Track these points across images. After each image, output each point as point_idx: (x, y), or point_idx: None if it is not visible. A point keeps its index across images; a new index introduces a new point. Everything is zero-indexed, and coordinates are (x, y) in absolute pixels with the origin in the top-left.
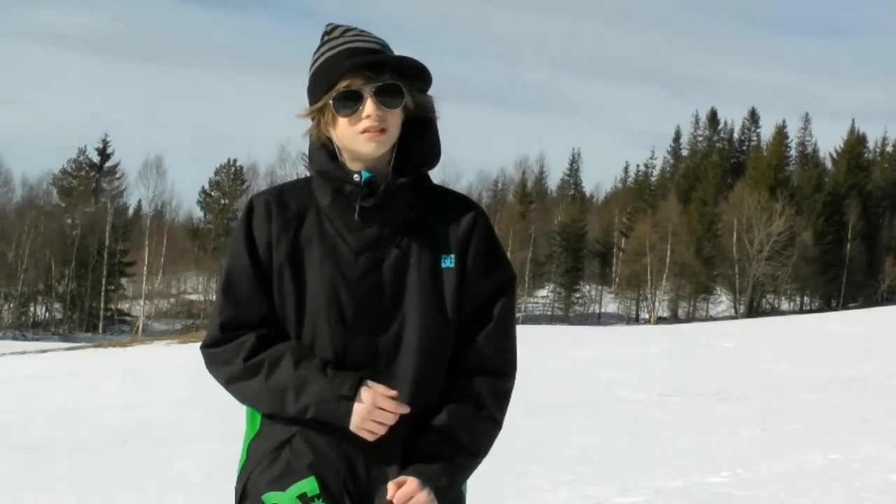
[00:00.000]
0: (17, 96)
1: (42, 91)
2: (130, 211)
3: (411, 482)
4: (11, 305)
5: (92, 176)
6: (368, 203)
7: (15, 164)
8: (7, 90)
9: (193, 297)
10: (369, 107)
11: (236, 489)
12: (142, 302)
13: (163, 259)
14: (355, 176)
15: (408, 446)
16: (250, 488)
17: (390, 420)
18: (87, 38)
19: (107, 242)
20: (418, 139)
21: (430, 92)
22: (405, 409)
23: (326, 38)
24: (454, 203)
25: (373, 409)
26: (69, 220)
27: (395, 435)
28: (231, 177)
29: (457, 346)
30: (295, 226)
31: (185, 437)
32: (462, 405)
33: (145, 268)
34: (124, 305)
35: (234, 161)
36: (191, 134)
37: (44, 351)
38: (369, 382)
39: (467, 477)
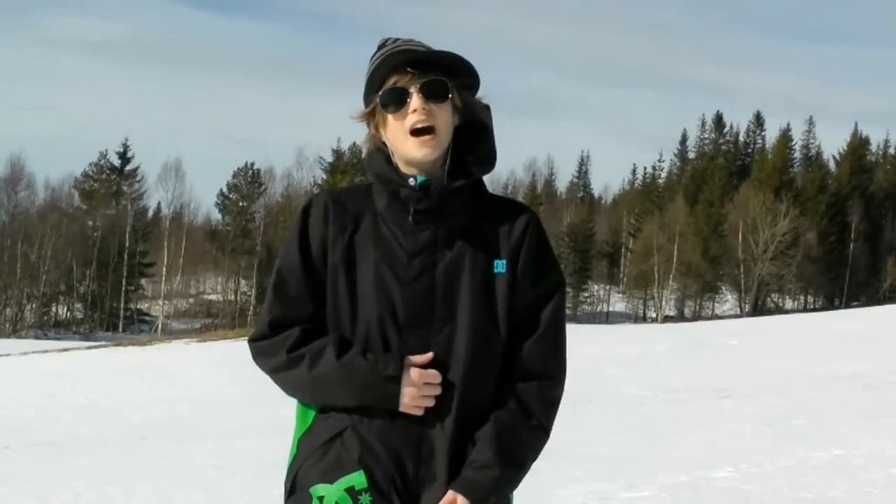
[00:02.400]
0: (40, 102)
1: (64, 96)
2: (150, 213)
3: (461, 502)
4: (34, 305)
5: (113, 179)
6: (422, 206)
7: (38, 167)
8: (30, 96)
9: (212, 297)
10: (415, 101)
11: (285, 484)
12: (161, 302)
13: (182, 260)
14: (410, 180)
15: (456, 448)
16: (299, 482)
17: (437, 391)
18: (109, 44)
19: (127, 244)
20: (473, 145)
21: (484, 99)
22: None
23: (379, 48)
24: (508, 208)
25: (422, 387)
26: (90, 222)
27: (443, 435)
28: (248, 180)
29: (507, 351)
30: (351, 227)
31: (204, 434)
32: (512, 413)
33: (164, 268)
34: (144, 305)
35: (252, 164)
36: (209, 138)
37: (65, 349)
38: (411, 358)
39: (515, 488)
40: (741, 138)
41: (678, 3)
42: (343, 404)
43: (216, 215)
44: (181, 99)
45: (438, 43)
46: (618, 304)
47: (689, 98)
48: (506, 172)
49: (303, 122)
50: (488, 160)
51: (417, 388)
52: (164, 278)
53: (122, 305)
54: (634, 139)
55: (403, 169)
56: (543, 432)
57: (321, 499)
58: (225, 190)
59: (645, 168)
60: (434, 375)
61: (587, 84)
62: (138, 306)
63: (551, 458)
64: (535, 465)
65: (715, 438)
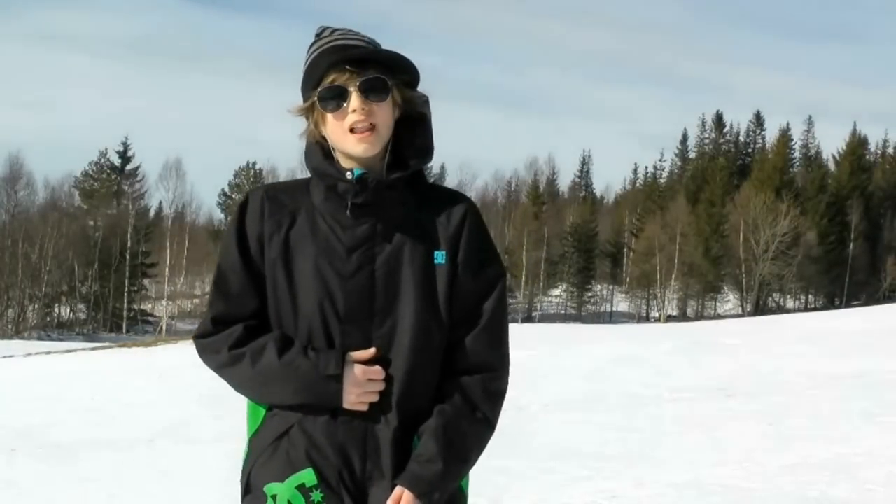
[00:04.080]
0: (40, 99)
1: (64, 94)
2: (151, 213)
3: (407, 496)
4: (36, 306)
5: (113, 178)
6: (360, 200)
7: (37, 166)
8: (30, 93)
9: None
10: (354, 101)
11: (241, 483)
12: (164, 302)
13: (184, 260)
14: (348, 174)
15: (400, 441)
16: (252, 481)
17: (380, 387)
18: (109, 41)
19: (129, 244)
20: (410, 136)
21: (423, 90)
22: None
23: (316, 38)
24: (445, 199)
25: (365, 384)
26: (91, 222)
27: (387, 429)
28: (251, 179)
29: (449, 344)
30: (288, 222)
31: (214, 435)
32: (456, 407)
33: (167, 269)
34: (147, 306)
35: (254, 163)
36: (210, 136)
37: (69, 351)
38: (353, 355)
39: (460, 481)
40: (741, 138)
41: (679, 3)
42: (286, 403)
43: (218, 215)
44: (181, 97)
45: (440, 41)
46: (621, 303)
47: (689, 97)
48: (508, 171)
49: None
50: (425, 151)
51: (360, 386)
52: (166, 279)
53: (125, 306)
54: (635, 138)
55: (343, 163)
56: (488, 425)
57: (274, 497)
58: (227, 189)
59: (646, 168)
60: (377, 372)
61: (588, 83)
62: (142, 307)
63: (559, 457)
64: (544, 465)
65: (718, 437)
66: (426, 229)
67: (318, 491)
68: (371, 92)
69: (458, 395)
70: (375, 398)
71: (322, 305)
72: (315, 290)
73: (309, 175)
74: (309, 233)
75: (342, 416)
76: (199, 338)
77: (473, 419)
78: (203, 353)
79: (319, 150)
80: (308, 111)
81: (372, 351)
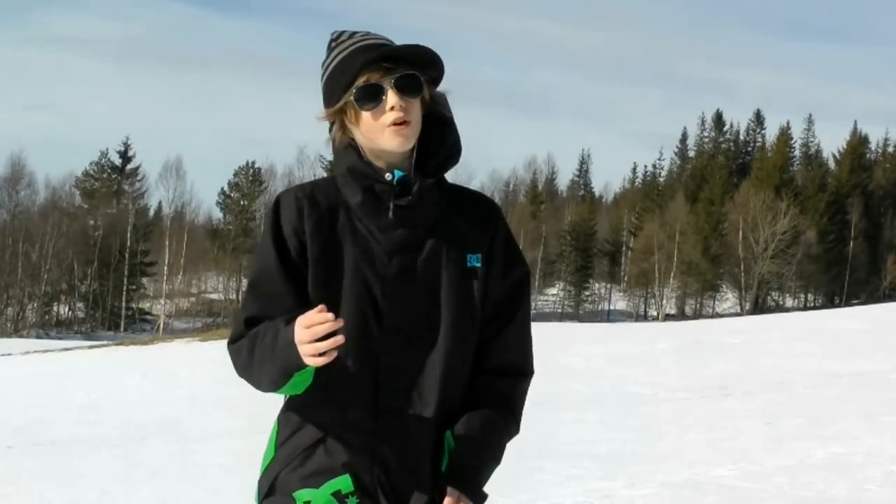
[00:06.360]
0: (42, 100)
1: (65, 95)
2: (151, 212)
3: (464, 498)
4: (35, 305)
5: (114, 178)
6: (403, 202)
7: (39, 166)
8: (32, 95)
9: (214, 296)
10: (392, 98)
11: (260, 485)
12: (163, 301)
13: (183, 259)
14: (386, 175)
15: (438, 443)
16: (279, 486)
17: (324, 330)
18: (110, 43)
19: (128, 243)
20: (440, 137)
21: (445, 90)
22: (336, 322)
23: (334, 43)
24: (474, 201)
25: (301, 332)
26: (91, 222)
27: (425, 432)
28: (250, 178)
29: (478, 344)
30: (329, 221)
31: (205, 433)
32: (493, 407)
33: (166, 268)
34: (145, 304)
35: (253, 163)
36: (210, 136)
37: (67, 349)
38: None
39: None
40: (741, 137)
41: (679, 1)
42: (274, 378)
43: (217, 214)
44: (182, 97)
45: (441, 41)
46: (619, 302)
47: (689, 96)
48: (507, 171)
49: (304, 120)
50: (455, 152)
51: (300, 338)
52: (165, 277)
53: (123, 305)
54: (635, 137)
55: (375, 163)
56: (516, 424)
57: None
58: (226, 188)
59: (645, 166)
60: (314, 318)
61: (587, 82)
62: (140, 305)
63: (552, 456)
64: (537, 464)
65: (716, 436)
66: (460, 232)
67: (355, 497)
68: (406, 89)
69: (491, 394)
70: (328, 347)
71: (363, 309)
72: (356, 294)
73: (334, 175)
74: (349, 234)
75: (380, 421)
76: (232, 343)
77: (506, 418)
78: (233, 357)
79: (352, 151)
80: (337, 114)
81: (321, 308)
